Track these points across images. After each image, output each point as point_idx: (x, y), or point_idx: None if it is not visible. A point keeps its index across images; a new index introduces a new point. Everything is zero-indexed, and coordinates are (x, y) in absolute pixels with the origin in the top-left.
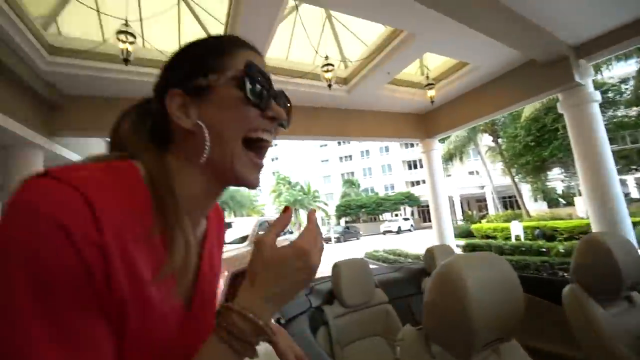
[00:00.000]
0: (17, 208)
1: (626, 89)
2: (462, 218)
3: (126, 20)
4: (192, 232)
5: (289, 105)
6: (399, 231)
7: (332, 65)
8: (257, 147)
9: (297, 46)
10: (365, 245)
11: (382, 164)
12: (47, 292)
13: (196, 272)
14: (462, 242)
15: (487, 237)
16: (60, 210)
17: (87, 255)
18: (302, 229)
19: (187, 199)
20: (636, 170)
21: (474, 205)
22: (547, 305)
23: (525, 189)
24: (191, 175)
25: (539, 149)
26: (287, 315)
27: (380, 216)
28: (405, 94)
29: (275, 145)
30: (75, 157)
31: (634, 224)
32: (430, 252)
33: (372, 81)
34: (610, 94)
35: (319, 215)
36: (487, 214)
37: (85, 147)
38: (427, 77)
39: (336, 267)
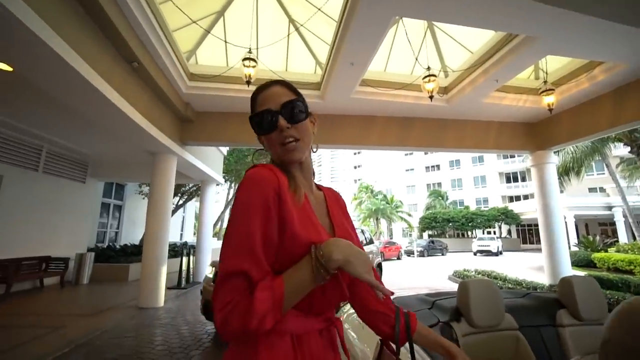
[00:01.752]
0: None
1: None
2: (576, 243)
3: (250, 49)
4: (307, 187)
5: (301, 112)
6: (498, 253)
7: (435, 75)
8: (284, 146)
9: (396, 57)
10: (453, 262)
11: (474, 176)
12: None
13: (329, 217)
14: (581, 273)
15: (617, 270)
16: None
17: (273, 193)
18: (381, 238)
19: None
20: None
21: (596, 228)
22: None
23: None
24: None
25: None
26: None
27: (469, 232)
28: (513, 101)
29: (358, 153)
30: (196, 161)
31: None
32: (567, 282)
33: (476, 90)
34: None
35: (400, 226)
36: (617, 241)
37: (203, 153)
38: (545, 82)
39: (464, 285)
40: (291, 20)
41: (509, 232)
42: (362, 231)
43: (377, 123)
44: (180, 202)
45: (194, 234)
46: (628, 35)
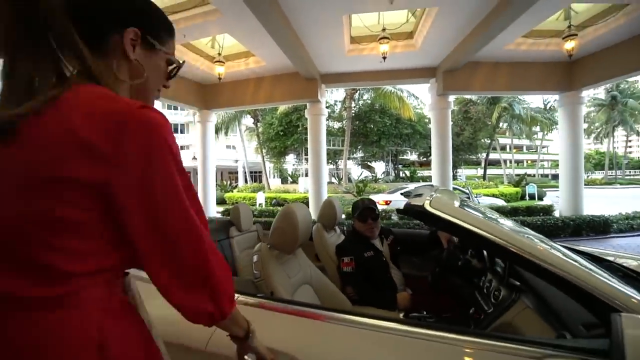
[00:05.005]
0: None
1: (336, 109)
2: (215, 186)
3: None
4: None
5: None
6: None
7: None
8: (159, 92)
9: None
10: None
11: None
12: None
13: None
14: (221, 208)
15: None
16: None
17: None
18: None
19: None
20: (330, 163)
21: (227, 176)
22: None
23: (268, 167)
24: (121, 90)
25: (284, 138)
26: None
27: None
28: (193, 60)
29: None
30: None
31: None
32: (236, 209)
33: None
34: (328, 110)
35: None
36: (237, 185)
37: None
38: (220, 54)
39: None
40: None
41: None
42: None
43: None
44: None
45: None
46: (273, 46)
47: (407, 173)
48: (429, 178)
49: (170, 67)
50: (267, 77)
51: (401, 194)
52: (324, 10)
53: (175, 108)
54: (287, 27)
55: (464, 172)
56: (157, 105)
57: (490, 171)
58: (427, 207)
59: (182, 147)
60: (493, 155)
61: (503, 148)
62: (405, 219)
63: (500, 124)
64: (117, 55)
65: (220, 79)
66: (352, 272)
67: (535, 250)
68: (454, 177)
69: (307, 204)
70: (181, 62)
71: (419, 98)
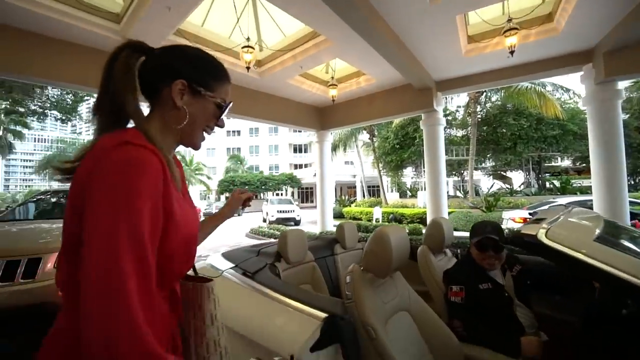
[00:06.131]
0: None
1: (458, 115)
2: (335, 201)
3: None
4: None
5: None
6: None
7: (253, 48)
8: (205, 133)
9: (216, 16)
10: (248, 222)
11: (269, 144)
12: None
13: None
14: (338, 222)
15: (354, 218)
16: None
17: (160, 182)
18: None
19: (166, 146)
20: (454, 175)
21: (345, 191)
22: (409, 261)
23: (385, 181)
24: (170, 133)
25: (401, 151)
26: (251, 270)
27: (262, 194)
28: (309, 87)
29: None
30: None
31: (449, 212)
32: (341, 227)
33: (285, 70)
34: (449, 117)
35: (198, 189)
36: (355, 199)
37: None
38: (332, 77)
39: (284, 234)
40: None
41: (292, 194)
42: None
43: None
44: None
45: None
46: (383, 63)
47: (556, 183)
48: (590, 189)
49: (220, 114)
50: (378, 93)
51: (529, 214)
52: (435, 16)
53: (299, 131)
54: (397, 43)
55: None
56: (283, 130)
57: None
58: (542, 238)
59: (305, 165)
60: None
61: None
62: None
63: None
64: (168, 103)
65: (333, 100)
66: (460, 304)
67: None
68: (634, 188)
69: (425, 220)
70: (227, 102)
71: (571, 90)
